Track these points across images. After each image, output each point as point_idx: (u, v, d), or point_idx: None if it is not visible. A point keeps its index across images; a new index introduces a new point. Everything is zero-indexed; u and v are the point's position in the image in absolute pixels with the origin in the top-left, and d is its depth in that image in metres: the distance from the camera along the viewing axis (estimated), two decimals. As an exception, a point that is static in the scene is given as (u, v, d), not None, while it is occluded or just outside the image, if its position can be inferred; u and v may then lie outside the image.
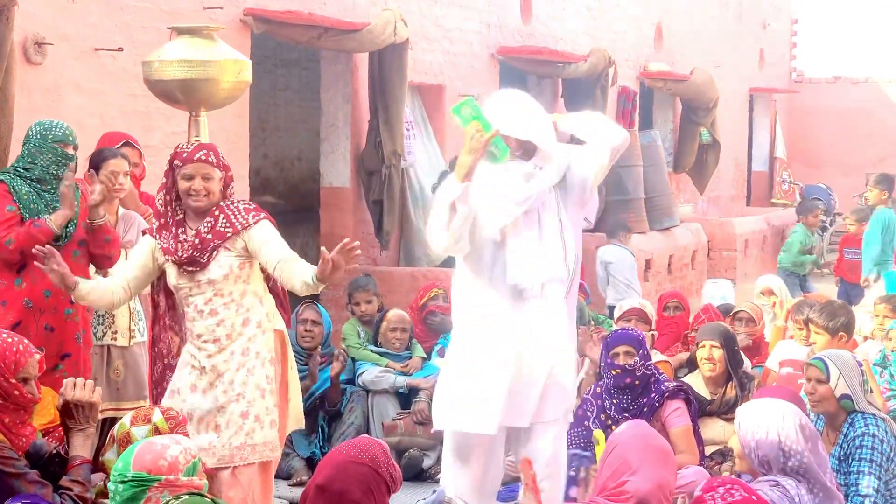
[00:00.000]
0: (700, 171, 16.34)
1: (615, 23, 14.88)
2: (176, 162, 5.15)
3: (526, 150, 4.98)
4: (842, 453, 5.17)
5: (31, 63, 7.28)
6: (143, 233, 5.48)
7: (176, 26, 6.30)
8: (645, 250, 12.77)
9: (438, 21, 11.36)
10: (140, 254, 5.27)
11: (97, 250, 5.93)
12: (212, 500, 3.33)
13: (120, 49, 7.83)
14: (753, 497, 3.48)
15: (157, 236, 5.20)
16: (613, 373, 6.21)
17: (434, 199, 5.07)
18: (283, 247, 5.13)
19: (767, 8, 20.32)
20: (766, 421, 4.34)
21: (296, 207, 12.39)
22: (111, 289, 5.24)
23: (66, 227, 5.85)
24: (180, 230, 5.15)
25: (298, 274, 5.04)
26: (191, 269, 5.11)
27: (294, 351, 7.38)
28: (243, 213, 5.13)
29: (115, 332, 6.25)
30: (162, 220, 5.20)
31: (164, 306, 5.38)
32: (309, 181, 12.54)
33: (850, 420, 5.22)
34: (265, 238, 5.11)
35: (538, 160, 4.98)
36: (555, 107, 13.56)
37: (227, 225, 5.10)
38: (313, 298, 7.99)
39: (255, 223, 5.12)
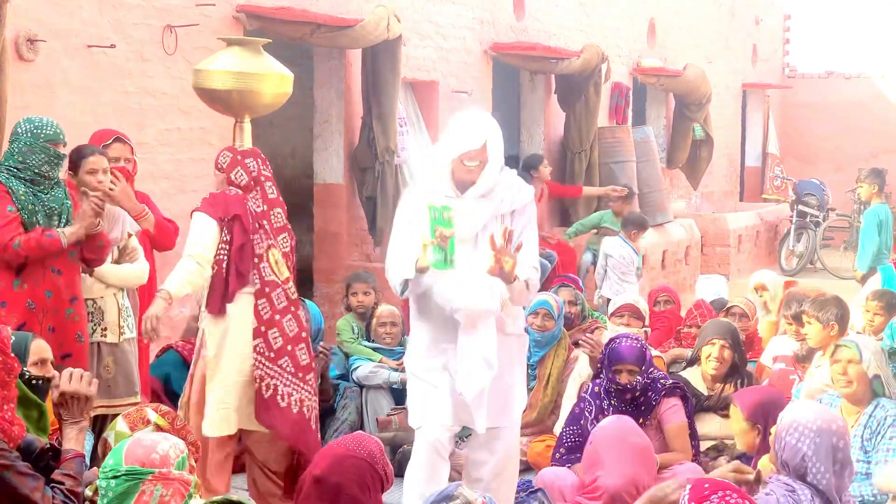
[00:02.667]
0: (693, 167, 16.35)
1: (608, 19, 14.87)
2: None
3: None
4: (867, 433, 5.20)
5: (23, 60, 7.26)
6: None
7: (226, 38, 6.50)
8: (640, 248, 12.75)
9: (431, 17, 11.35)
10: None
11: (90, 254, 5.97)
12: (240, 502, 3.36)
13: (113, 46, 7.82)
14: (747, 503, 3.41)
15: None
16: (614, 387, 6.20)
17: (389, 247, 5.46)
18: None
19: (760, 4, 20.32)
20: (803, 428, 4.17)
21: (289, 204, 12.23)
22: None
23: (65, 225, 5.86)
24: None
25: None
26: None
27: None
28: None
29: (105, 329, 6.24)
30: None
31: None
32: (302, 178, 12.51)
33: (876, 402, 5.27)
34: None
35: (476, 192, 5.27)
36: (548, 103, 13.57)
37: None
38: (305, 296, 8.07)
39: None
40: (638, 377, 6.16)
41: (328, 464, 3.42)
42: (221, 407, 5.77)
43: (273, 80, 6.19)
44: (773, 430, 4.37)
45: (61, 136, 5.93)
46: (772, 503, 4.03)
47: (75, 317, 5.91)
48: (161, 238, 6.75)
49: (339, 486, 3.33)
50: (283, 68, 6.28)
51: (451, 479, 5.62)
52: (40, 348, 4.64)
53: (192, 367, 5.98)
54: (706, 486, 3.44)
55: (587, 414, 6.24)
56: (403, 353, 7.88)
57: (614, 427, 4.42)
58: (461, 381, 5.26)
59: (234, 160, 5.98)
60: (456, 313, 5.22)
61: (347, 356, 7.92)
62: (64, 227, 5.86)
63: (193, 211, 5.85)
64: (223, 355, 5.78)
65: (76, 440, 3.94)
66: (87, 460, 4.39)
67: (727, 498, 3.35)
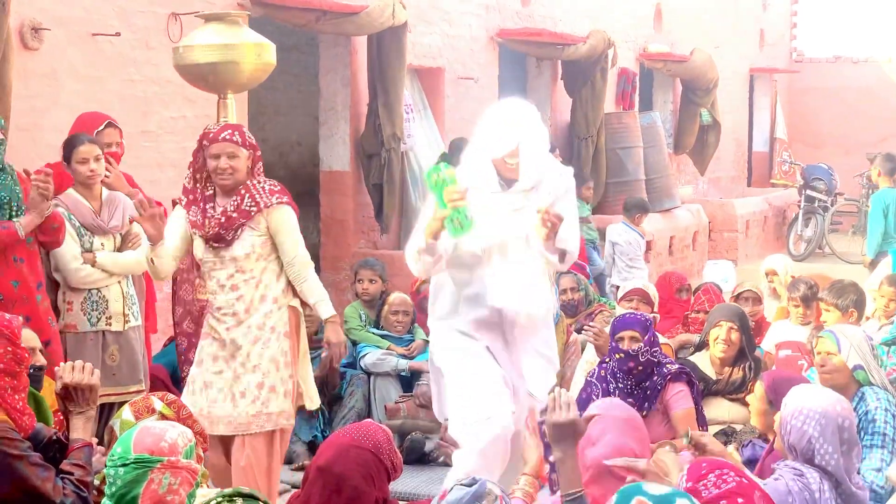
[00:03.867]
0: (700, 152, 16.30)
1: (614, 4, 14.82)
2: (204, 142, 5.43)
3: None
4: None
5: (27, 48, 7.24)
6: (174, 203, 5.64)
7: (203, 14, 6.41)
8: (646, 232, 12.74)
9: (437, 4, 11.31)
10: (177, 225, 5.50)
11: (44, 237, 5.94)
12: (251, 494, 3.34)
13: (117, 34, 7.80)
14: (744, 480, 3.40)
15: (187, 210, 5.46)
16: (617, 356, 6.19)
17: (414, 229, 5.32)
18: (297, 242, 5.48)
19: (767, -12, 20.26)
20: (808, 410, 4.16)
21: (296, 192, 12.20)
22: (167, 260, 5.50)
23: (18, 216, 5.79)
24: (209, 205, 5.42)
25: (307, 292, 5.50)
26: (216, 245, 5.40)
27: None
28: (267, 194, 5.42)
29: (110, 318, 6.22)
30: (190, 196, 5.47)
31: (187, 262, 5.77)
32: (308, 165, 12.51)
33: (860, 394, 5.20)
34: (280, 225, 5.44)
35: (522, 184, 5.19)
36: (554, 89, 13.53)
37: (252, 204, 5.38)
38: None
39: (277, 204, 5.43)
40: (640, 344, 6.15)
41: (332, 454, 3.39)
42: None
43: (252, 49, 6.12)
44: (776, 417, 4.38)
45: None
46: (780, 488, 4.02)
47: (44, 302, 5.90)
48: None
49: (341, 477, 3.29)
50: (263, 38, 6.20)
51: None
52: (28, 337, 4.63)
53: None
54: (703, 465, 3.44)
55: (594, 398, 6.21)
56: (412, 340, 7.91)
57: (599, 407, 4.40)
58: (530, 382, 5.29)
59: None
60: (517, 316, 5.21)
61: (355, 343, 7.91)
62: (15, 215, 5.79)
63: (288, 203, 5.58)
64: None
65: (83, 429, 3.93)
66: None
67: (724, 476, 3.35)
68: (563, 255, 5.20)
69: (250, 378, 5.43)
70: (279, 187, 5.51)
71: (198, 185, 5.46)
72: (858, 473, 4.84)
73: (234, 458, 5.50)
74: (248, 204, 5.37)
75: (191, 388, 5.53)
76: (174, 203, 5.66)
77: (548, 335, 5.40)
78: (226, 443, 5.54)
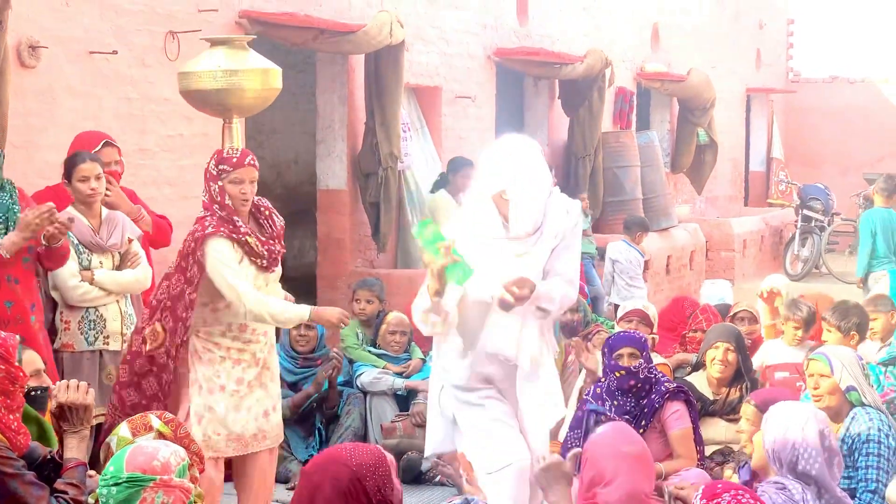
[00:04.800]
0: (697, 172, 16.32)
1: (612, 23, 14.86)
2: (224, 167, 5.31)
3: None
4: (845, 448, 5.14)
5: (24, 66, 7.24)
6: (205, 237, 5.34)
7: (210, 37, 6.38)
8: (646, 251, 12.74)
9: (434, 22, 11.33)
10: (235, 261, 5.33)
11: (49, 262, 5.93)
12: None
13: (115, 52, 7.80)
14: None
15: (237, 241, 5.31)
16: (617, 374, 6.18)
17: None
18: None
19: (764, 8, 20.31)
20: (789, 419, 4.29)
21: (292, 210, 12.33)
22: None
23: (6, 231, 5.76)
24: (244, 228, 5.39)
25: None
26: (270, 270, 5.45)
27: (287, 355, 7.48)
28: (279, 219, 5.58)
29: (108, 337, 6.20)
30: (230, 226, 5.32)
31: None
32: (305, 184, 12.50)
33: (852, 415, 5.20)
34: None
35: (520, 228, 4.94)
36: (552, 108, 13.55)
37: (270, 226, 5.50)
38: (309, 302, 8.03)
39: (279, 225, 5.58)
40: (640, 361, 6.14)
41: (318, 462, 3.32)
42: None
43: (258, 75, 6.10)
44: (755, 438, 4.44)
45: None
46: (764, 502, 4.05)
47: (36, 324, 5.84)
48: (159, 236, 6.74)
49: (316, 487, 3.22)
50: (269, 63, 6.17)
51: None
52: (32, 359, 4.62)
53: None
54: (719, 486, 3.48)
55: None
56: (409, 359, 7.90)
57: (607, 437, 4.38)
58: (531, 435, 5.13)
59: None
60: (519, 360, 5.04)
61: (352, 362, 7.90)
62: (5, 234, 5.75)
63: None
64: None
65: (77, 449, 3.93)
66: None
67: (739, 497, 3.38)
68: (543, 311, 4.99)
69: (275, 389, 5.63)
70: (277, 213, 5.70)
71: (223, 216, 5.33)
72: (854, 497, 4.85)
73: (239, 471, 5.58)
74: (270, 227, 5.49)
75: (209, 417, 5.42)
76: (206, 237, 5.36)
77: (550, 380, 5.19)
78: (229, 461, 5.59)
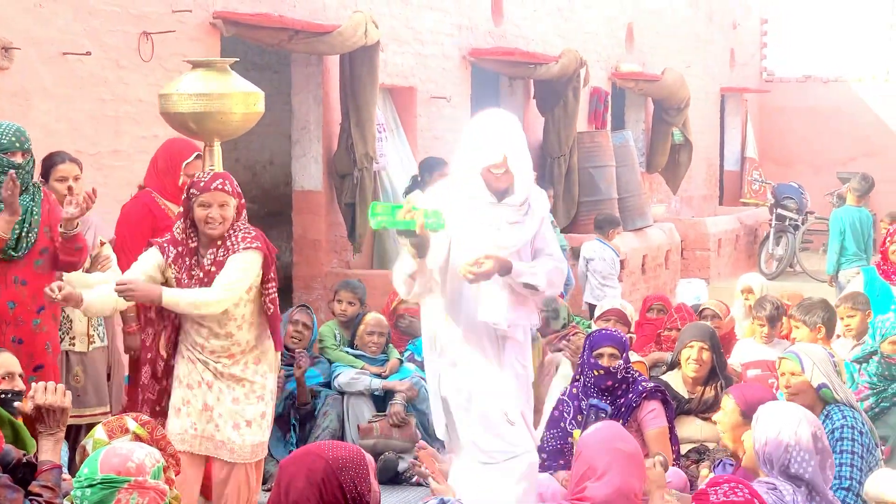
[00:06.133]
0: (672, 171, 16.38)
1: (586, 24, 14.89)
2: (193, 191, 5.37)
3: (508, 184, 5.07)
4: None
5: (-2, 68, 7.21)
6: (149, 244, 5.52)
7: (192, 60, 6.36)
8: (620, 249, 12.78)
9: (409, 23, 11.33)
10: (148, 265, 5.41)
11: (67, 257, 5.84)
12: None
13: (88, 53, 7.77)
14: (756, 501, 3.44)
15: (173, 264, 5.39)
16: (595, 373, 6.18)
17: (398, 253, 5.19)
18: (231, 274, 5.30)
19: (737, 8, 20.39)
20: (781, 421, 4.30)
21: (268, 211, 12.34)
22: (112, 296, 5.35)
23: (28, 236, 5.71)
24: (193, 260, 5.38)
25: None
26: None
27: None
28: (239, 242, 5.37)
29: (73, 338, 6.18)
30: (180, 248, 5.40)
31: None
32: (281, 185, 12.48)
33: (826, 412, 5.23)
34: (230, 266, 5.33)
35: (515, 199, 5.06)
36: (527, 108, 13.56)
37: (225, 254, 5.35)
38: (284, 302, 8.03)
39: (241, 250, 5.35)
40: (619, 361, 6.15)
41: (296, 454, 3.30)
42: None
43: (241, 99, 6.06)
44: (744, 437, 4.43)
45: (17, 145, 5.68)
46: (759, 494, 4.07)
47: (43, 327, 5.80)
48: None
49: (292, 479, 3.20)
50: (252, 86, 6.14)
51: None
52: (7, 362, 4.59)
53: None
54: (723, 478, 3.59)
55: (566, 416, 6.22)
56: (386, 360, 7.90)
57: (602, 434, 4.40)
58: (506, 401, 5.14)
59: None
60: (511, 331, 5.09)
61: (330, 362, 7.89)
62: (35, 236, 5.71)
63: (255, 249, 5.45)
64: None
65: (52, 451, 3.91)
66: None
67: (736, 489, 3.42)
68: (531, 288, 5.07)
69: (255, 408, 5.46)
70: (253, 234, 5.43)
71: (184, 235, 5.40)
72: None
73: (217, 480, 5.53)
74: (222, 255, 5.36)
75: (186, 410, 5.44)
76: (149, 244, 5.53)
77: (528, 350, 5.33)
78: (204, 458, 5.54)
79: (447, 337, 5.14)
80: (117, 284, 5.22)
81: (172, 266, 5.39)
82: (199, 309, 5.28)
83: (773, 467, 4.23)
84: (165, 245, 5.43)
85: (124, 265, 5.92)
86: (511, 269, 4.94)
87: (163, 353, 5.48)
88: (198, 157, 6.44)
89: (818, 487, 4.19)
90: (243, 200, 5.51)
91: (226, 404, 5.42)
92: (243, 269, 5.33)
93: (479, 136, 5.05)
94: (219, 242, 5.37)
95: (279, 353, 5.69)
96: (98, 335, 6.30)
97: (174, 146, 6.56)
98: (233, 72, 6.17)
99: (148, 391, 5.57)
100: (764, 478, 4.28)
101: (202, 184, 5.37)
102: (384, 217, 4.80)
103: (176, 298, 5.25)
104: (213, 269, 5.34)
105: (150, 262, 5.42)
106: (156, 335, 5.48)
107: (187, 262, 5.38)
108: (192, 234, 5.40)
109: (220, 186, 5.35)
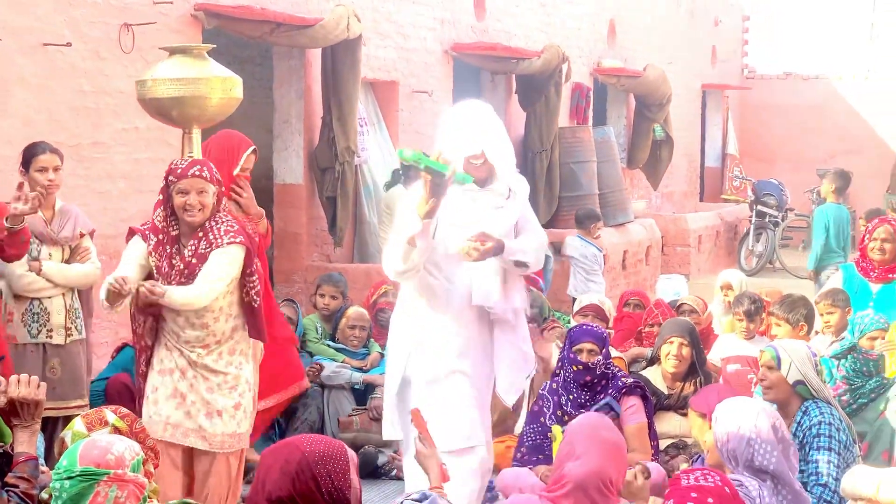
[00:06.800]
0: (653, 167, 16.41)
1: (568, 19, 14.90)
2: (171, 178, 5.34)
3: (489, 173, 5.16)
4: (797, 442, 5.19)
5: (-23, 58, 7.17)
6: (131, 231, 5.49)
7: (168, 46, 6.33)
8: (603, 245, 12.80)
9: (392, 17, 11.32)
10: (139, 254, 5.37)
11: (11, 249, 5.85)
12: None
13: (69, 44, 7.73)
14: (727, 488, 3.49)
15: (153, 252, 5.36)
16: (574, 368, 6.20)
17: (392, 225, 5.27)
18: (214, 271, 5.28)
19: (719, 5, 20.44)
20: (740, 416, 4.34)
21: (249, 205, 12.30)
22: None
23: None
24: (174, 249, 5.35)
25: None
26: (168, 282, 5.30)
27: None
28: (222, 235, 5.33)
29: (51, 331, 6.16)
30: (160, 237, 5.36)
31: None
32: (262, 178, 12.41)
33: (803, 408, 5.26)
34: (214, 260, 5.30)
35: (498, 186, 5.17)
36: (508, 103, 13.57)
37: (207, 247, 5.31)
38: (291, 299, 8.09)
39: (225, 245, 5.31)
40: (599, 357, 6.17)
41: (275, 446, 3.30)
42: None
43: (219, 84, 6.05)
44: (705, 436, 4.49)
45: None
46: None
47: (2, 317, 5.81)
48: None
49: (268, 469, 3.19)
50: (228, 72, 6.14)
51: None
52: None
53: None
54: (700, 468, 3.62)
55: (546, 410, 6.23)
56: (367, 354, 7.89)
57: (588, 421, 4.47)
58: (502, 385, 5.24)
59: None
60: (503, 313, 5.17)
61: (311, 356, 7.89)
62: None
63: (238, 244, 5.43)
64: None
65: (28, 443, 3.89)
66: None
67: (708, 475, 3.51)
68: (522, 265, 5.20)
69: (227, 399, 5.42)
70: (235, 227, 5.40)
71: (164, 223, 5.37)
72: (807, 489, 4.90)
73: (198, 473, 5.50)
74: (204, 247, 5.32)
75: (153, 398, 5.42)
76: (131, 232, 5.52)
77: (525, 330, 5.37)
78: (185, 452, 5.50)
79: (424, 320, 5.16)
80: (151, 291, 5.16)
81: (153, 254, 5.36)
82: (186, 306, 5.27)
83: (739, 462, 4.29)
84: (147, 233, 5.41)
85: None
86: (503, 248, 5.05)
87: (148, 341, 5.47)
88: (254, 151, 6.48)
89: (783, 477, 4.25)
90: (223, 188, 5.47)
91: (199, 393, 5.39)
92: (228, 262, 5.31)
93: (456, 128, 5.11)
94: (200, 234, 5.33)
95: (260, 345, 5.66)
96: (76, 328, 6.28)
97: (233, 138, 6.57)
98: (209, 58, 6.16)
99: (144, 380, 5.55)
100: (730, 475, 4.32)
101: (179, 171, 5.34)
102: (415, 153, 4.77)
103: (172, 296, 5.25)
104: (195, 260, 5.31)
105: (138, 251, 5.39)
106: (145, 323, 5.47)
107: (168, 251, 5.35)
108: (172, 223, 5.37)
109: (197, 173, 5.31)
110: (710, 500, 3.50)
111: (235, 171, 6.29)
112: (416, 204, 4.88)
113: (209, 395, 5.39)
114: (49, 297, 6.15)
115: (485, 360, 5.27)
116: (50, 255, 6.18)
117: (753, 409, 4.37)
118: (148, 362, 5.49)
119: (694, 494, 3.46)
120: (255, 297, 5.44)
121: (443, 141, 5.11)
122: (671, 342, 6.88)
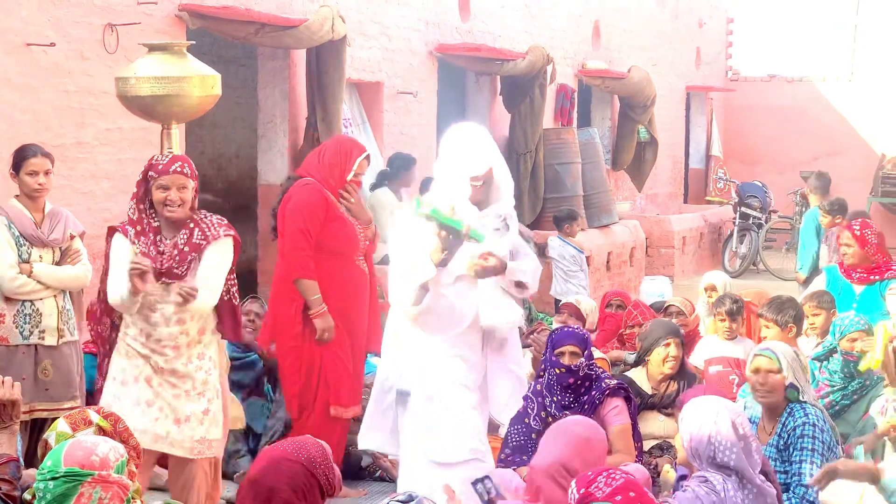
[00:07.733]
0: (638, 169, 16.44)
1: (553, 21, 14.92)
2: (151, 173, 5.38)
3: (487, 196, 5.32)
4: (781, 443, 5.22)
5: (-40, 58, 7.15)
6: (110, 230, 5.52)
7: (148, 43, 6.34)
8: (583, 246, 12.82)
9: (376, 18, 11.31)
10: (125, 254, 5.37)
11: None
12: None
13: (52, 44, 7.71)
14: (629, 475, 3.59)
15: (136, 241, 5.37)
16: (557, 371, 6.21)
17: (397, 252, 5.24)
18: (214, 271, 5.36)
19: (703, 7, 20.48)
20: (701, 414, 4.43)
21: (233, 205, 12.27)
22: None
23: None
24: (158, 237, 5.37)
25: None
26: (167, 280, 5.33)
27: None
28: (216, 226, 5.41)
29: (43, 332, 6.15)
30: (138, 227, 5.38)
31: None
32: (246, 178, 12.44)
33: (788, 410, 5.28)
34: (211, 252, 5.37)
35: (497, 208, 5.32)
36: (493, 104, 13.58)
37: (202, 237, 5.37)
38: (256, 295, 8.06)
39: (223, 236, 5.39)
40: (581, 359, 6.18)
41: (264, 466, 3.35)
42: None
43: (198, 81, 6.06)
44: (676, 437, 4.56)
45: None
46: (688, 496, 4.30)
47: None
48: None
49: (272, 489, 3.25)
50: (208, 69, 6.14)
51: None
52: None
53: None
54: (589, 473, 3.64)
55: (530, 411, 6.24)
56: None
57: (566, 420, 4.56)
58: (496, 406, 5.36)
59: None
60: (499, 331, 5.29)
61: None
62: None
63: (233, 237, 5.51)
64: None
65: (8, 444, 3.89)
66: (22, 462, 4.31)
67: (612, 475, 3.56)
68: (522, 286, 5.32)
69: (195, 405, 5.42)
70: (225, 221, 5.50)
71: (142, 215, 5.40)
72: (790, 489, 4.93)
73: (172, 479, 5.53)
74: (199, 237, 5.36)
75: (117, 406, 5.32)
76: (110, 231, 5.54)
77: (518, 352, 5.48)
78: (157, 457, 5.51)
79: (424, 335, 5.20)
80: (190, 294, 5.20)
81: (136, 243, 5.37)
82: (203, 309, 5.36)
83: (702, 460, 4.42)
84: (126, 227, 5.43)
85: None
86: (505, 267, 5.19)
87: (109, 346, 5.48)
88: (367, 157, 6.58)
89: (745, 474, 4.33)
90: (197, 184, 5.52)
91: (166, 399, 5.38)
92: (224, 257, 5.40)
93: (461, 148, 5.20)
94: (191, 225, 5.37)
95: (226, 355, 5.70)
96: (68, 329, 6.28)
97: (348, 142, 6.73)
98: (189, 55, 6.16)
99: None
100: (697, 472, 4.43)
101: (160, 166, 5.38)
102: (432, 209, 4.80)
103: (203, 299, 5.32)
104: (188, 248, 5.34)
105: (126, 249, 5.39)
106: (111, 325, 5.48)
107: (151, 238, 5.37)
108: (151, 215, 5.40)
109: (179, 169, 5.36)
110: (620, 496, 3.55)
111: (349, 177, 6.45)
112: (430, 251, 4.95)
113: (176, 402, 5.39)
114: (41, 299, 6.14)
115: (481, 378, 5.40)
116: (41, 257, 6.17)
117: (714, 409, 4.45)
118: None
119: (619, 497, 3.50)
120: (235, 295, 5.46)
121: (447, 160, 5.21)
122: (667, 344, 6.87)
